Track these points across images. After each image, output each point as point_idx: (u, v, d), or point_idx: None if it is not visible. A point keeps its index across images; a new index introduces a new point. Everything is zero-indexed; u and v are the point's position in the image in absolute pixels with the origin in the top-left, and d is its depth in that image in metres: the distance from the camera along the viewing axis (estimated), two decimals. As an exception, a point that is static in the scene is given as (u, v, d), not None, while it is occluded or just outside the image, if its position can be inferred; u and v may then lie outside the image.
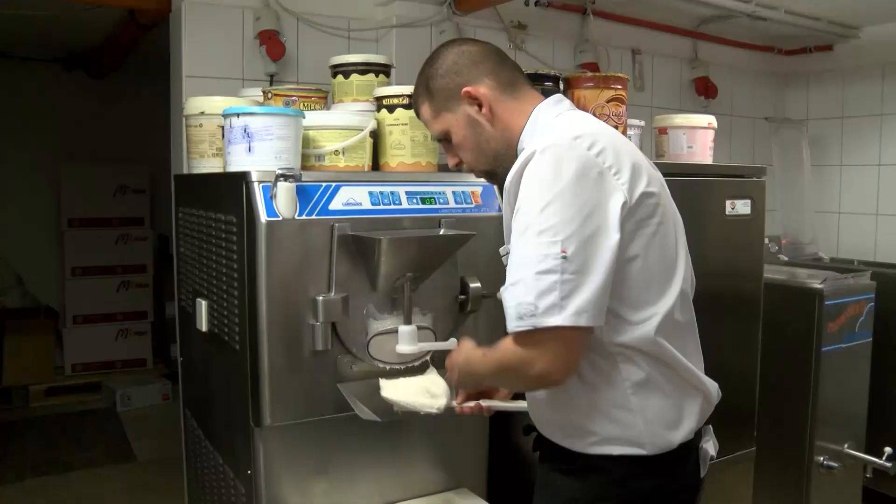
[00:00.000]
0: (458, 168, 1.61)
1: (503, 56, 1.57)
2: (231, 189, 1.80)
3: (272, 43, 2.76)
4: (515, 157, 1.47)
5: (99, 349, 5.37)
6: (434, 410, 1.64)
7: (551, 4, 3.29)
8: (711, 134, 2.61)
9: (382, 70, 2.36)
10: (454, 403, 1.65)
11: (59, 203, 5.43)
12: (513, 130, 1.52)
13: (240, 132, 1.86)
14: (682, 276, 1.47)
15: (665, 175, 2.34)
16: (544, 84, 2.30)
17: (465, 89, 1.51)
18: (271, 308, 1.69)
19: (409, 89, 2.23)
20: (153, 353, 5.59)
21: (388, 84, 2.34)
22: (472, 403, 1.65)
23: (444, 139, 1.58)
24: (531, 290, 1.28)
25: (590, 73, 2.50)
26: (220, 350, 1.98)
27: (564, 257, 1.28)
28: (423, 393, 1.68)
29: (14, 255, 5.48)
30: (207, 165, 2.18)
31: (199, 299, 2.09)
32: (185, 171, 2.43)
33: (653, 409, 1.41)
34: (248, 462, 1.82)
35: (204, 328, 2.06)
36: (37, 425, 4.74)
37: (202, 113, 2.18)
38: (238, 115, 1.87)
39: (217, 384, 2.10)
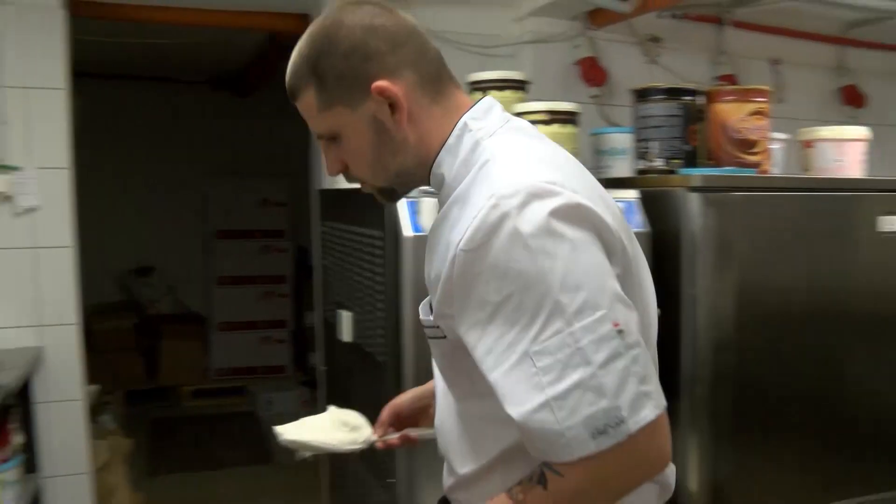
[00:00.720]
0: (340, 175, 1.20)
1: (425, 39, 1.15)
2: (374, 205, 1.87)
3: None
4: (425, 178, 1.15)
5: (242, 355, 5.65)
6: (359, 445, 1.39)
7: (686, 16, 3.23)
8: (863, 146, 2.49)
9: (519, 86, 2.39)
10: (375, 437, 1.43)
11: (206, 216, 5.77)
12: (430, 145, 1.12)
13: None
14: (655, 339, 1.19)
15: (812, 190, 2.27)
16: (682, 98, 2.26)
17: (377, 84, 1.07)
18: (416, 323, 1.74)
19: (547, 106, 2.27)
20: (292, 361, 5.83)
21: (525, 100, 2.37)
22: (396, 435, 1.42)
23: (329, 138, 1.14)
24: (603, 392, 0.94)
25: (730, 87, 2.45)
26: (363, 360, 2.05)
27: (620, 332, 0.96)
28: (340, 427, 1.41)
29: (166, 265, 5.86)
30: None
31: (341, 311, 2.18)
32: (328, 186, 2.53)
33: None
34: (390, 471, 1.87)
35: (347, 339, 2.14)
36: (188, 424, 5.05)
37: (346, 132, 2.27)
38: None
39: (359, 393, 2.17)
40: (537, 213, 0.96)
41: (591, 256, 0.98)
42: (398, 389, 1.78)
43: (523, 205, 0.96)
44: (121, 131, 5.59)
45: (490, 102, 1.16)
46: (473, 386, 1.07)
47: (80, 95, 2.82)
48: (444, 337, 1.10)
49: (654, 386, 0.98)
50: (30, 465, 2.54)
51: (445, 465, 1.25)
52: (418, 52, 1.11)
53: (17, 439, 2.37)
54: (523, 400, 0.95)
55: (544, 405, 0.94)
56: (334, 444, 1.37)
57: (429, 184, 1.16)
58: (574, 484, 0.97)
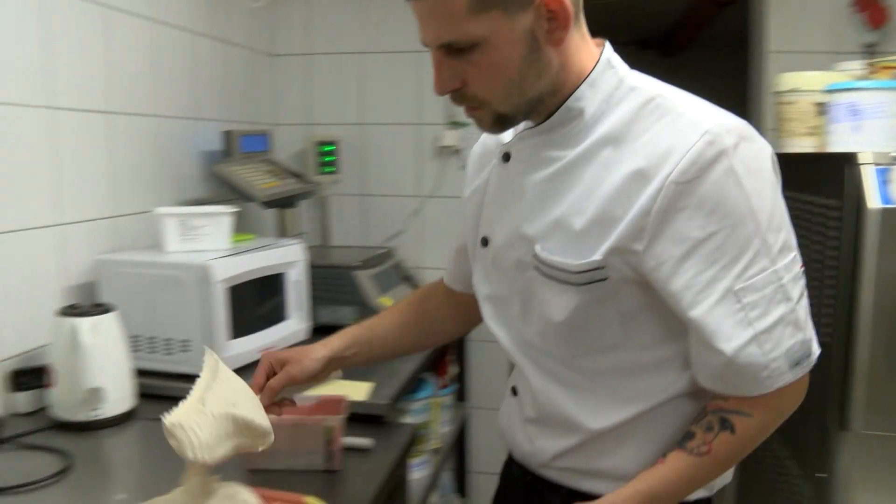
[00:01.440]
0: (451, 95, 1.04)
1: None
2: (831, 171, 1.68)
3: (873, 9, 2.51)
4: (549, 110, 1.04)
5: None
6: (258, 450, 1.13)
7: None
8: None
9: None
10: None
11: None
12: (569, 74, 1.02)
13: (844, 110, 1.72)
14: None
15: None
16: None
17: None
18: (876, 306, 1.54)
19: None
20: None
21: None
22: (282, 414, 1.26)
23: (458, 48, 0.98)
24: (799, 325, 0.99)
25: None
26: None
27: (804, 272, 1.02)
28: (244, 431, 1.11)
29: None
30: (798, 144, 2.08)
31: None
32: (779, 150, 2.34)
33: None
34: (821, 465, 1.70)
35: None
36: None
37: (794, 90, 2.08)
38: (844, 91, 1.73)
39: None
40: (751, 153, 0.97)
41: (782, 201, 1.00)
42: (846, 379, 1.60)
43: (737, 144, 0.95)
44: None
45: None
46: (601, 338, 1.06)
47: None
48: (606, 279, 1.02)
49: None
50: (460, 394, 2.80)
51: (543, 430, 1.16)
52: None
53: (453, 370, 2.61)
54: (733, 335, 0.96)
55: (753, 339, 0.96)
56: (231, 451, 1.10)
57: (541, 118, 1.06)
58: (760, 420, 1.01)
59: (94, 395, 1.53)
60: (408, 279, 2.39)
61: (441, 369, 2.45)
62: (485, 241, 1.18)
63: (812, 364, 1.01)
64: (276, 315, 1.98)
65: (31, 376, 1.61)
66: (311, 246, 2.78)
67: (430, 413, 2.28)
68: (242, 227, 2.43)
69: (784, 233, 0.98)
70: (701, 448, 1.01)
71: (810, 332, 1.01)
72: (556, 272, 1.04)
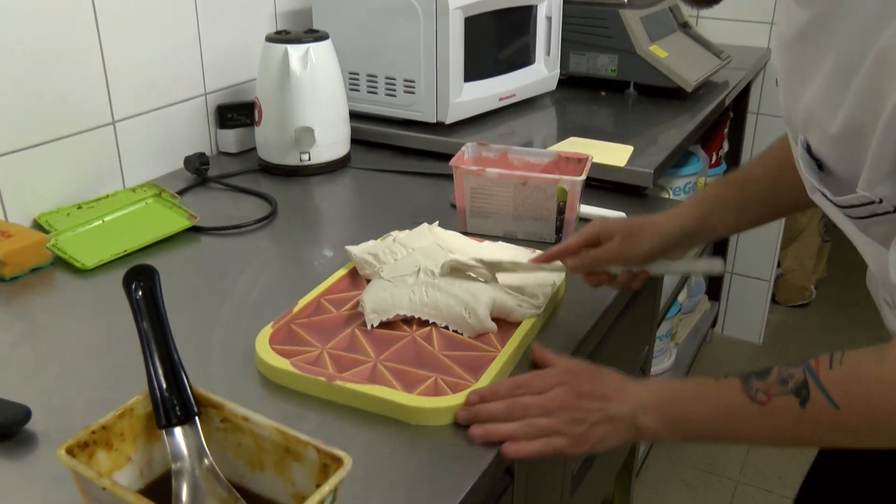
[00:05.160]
0: None
1: None
2: None
3: None
4: None
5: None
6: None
7: None
8: None
9: None
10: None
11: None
12: None
13: None
14: None
15: None
16: None
17: None
18: None
19: None
20: None
21: None
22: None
23: None
24: None
25: None
26: None
27: None
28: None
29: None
30: None
31: None
32: None
33: None
34: None
35: None
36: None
37: None
38: None
39: None
40: None
41: None
42: None
43: None
44: None
45: None
46: None
47: None
48: (891, 211, 0.64)
49: None
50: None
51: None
52: None
53: (726, 147, 2.18)
54: None
55: None
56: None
57: None
58: (844, 419, 0.69)
59: (304, 135, 1.33)
60: (685, 26, 1.92)
61: (714, 143, 2.04)
62: (776, 82, 0.80)
63: None
64: (519, 58, 1.64)
65: (238, 112, 1.44)
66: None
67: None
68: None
69: None
70: (759, 395, 0.73)
71: None
72: (823, 190, 0.70)
